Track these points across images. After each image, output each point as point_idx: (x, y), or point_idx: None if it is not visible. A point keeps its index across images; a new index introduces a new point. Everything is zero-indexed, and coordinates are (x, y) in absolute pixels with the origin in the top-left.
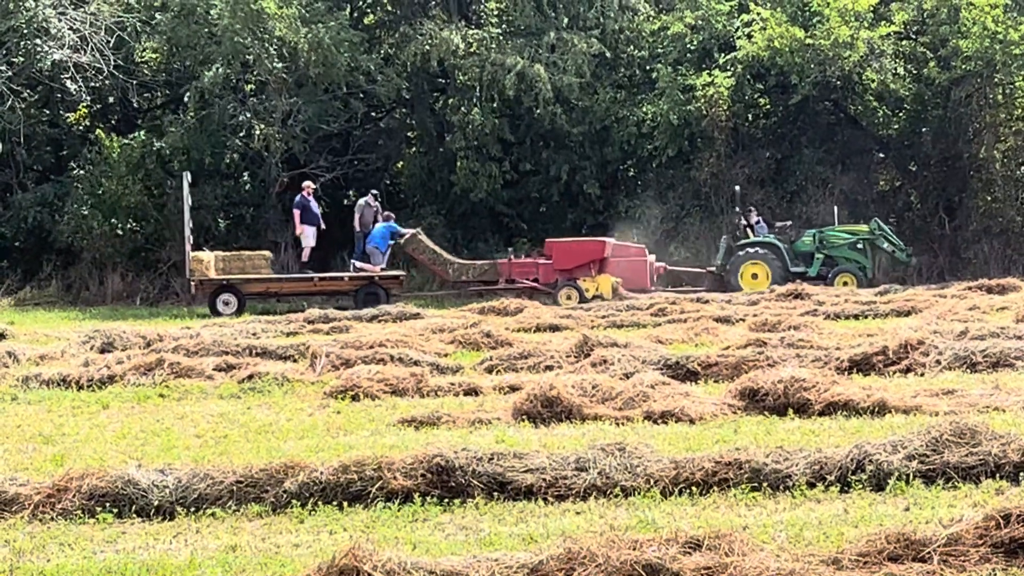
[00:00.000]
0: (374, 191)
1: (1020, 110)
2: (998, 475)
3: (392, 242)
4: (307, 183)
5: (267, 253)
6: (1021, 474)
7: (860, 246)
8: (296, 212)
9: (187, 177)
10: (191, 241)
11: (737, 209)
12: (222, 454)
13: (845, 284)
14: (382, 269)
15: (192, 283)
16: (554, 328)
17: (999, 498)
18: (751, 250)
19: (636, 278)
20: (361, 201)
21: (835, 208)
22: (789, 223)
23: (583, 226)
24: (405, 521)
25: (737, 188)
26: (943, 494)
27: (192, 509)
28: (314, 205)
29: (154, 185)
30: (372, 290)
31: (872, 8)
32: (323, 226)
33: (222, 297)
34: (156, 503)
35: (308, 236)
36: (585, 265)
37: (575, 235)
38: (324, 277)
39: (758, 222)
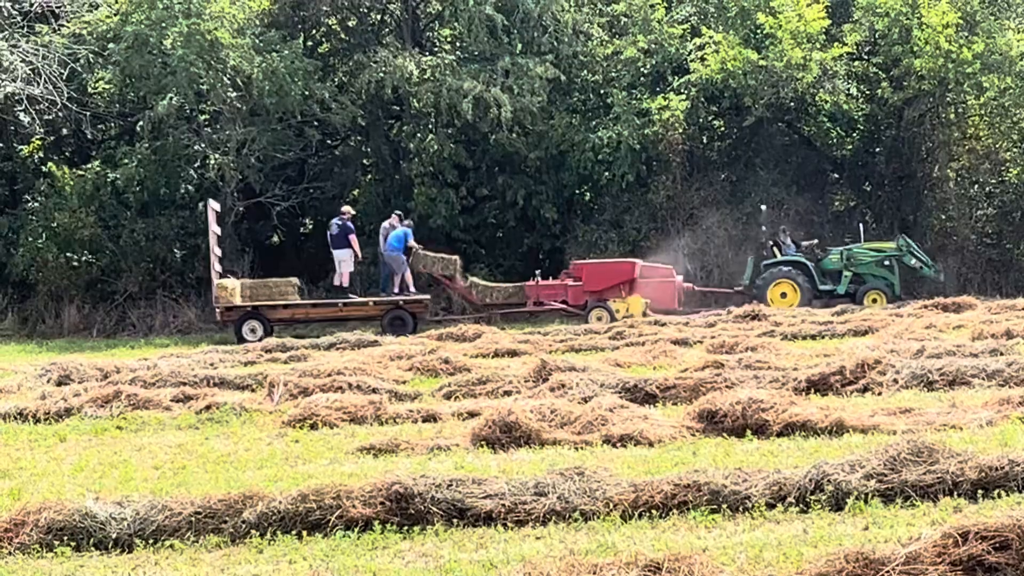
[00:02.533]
0: (398, 212)
1: (973, 129)
2: (956, 493)
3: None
4: (346, 208)
5: (295, 280)
6: (979, 492)
7: (887, 263)
8: (353, 237)
9: (212, 204)
10: (217, 268)
11: (763, 228)
12: (180, 485)
13: (874, 301)
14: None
15: (217, 310)
16: (512, 353)
17: (957, 516)
18: (780, 269)
19: (664, 298)
20: (386, 223)
21: (860, 226)
22: (816, 241)
23: (540, 251)
24: (365, 549)
25: (763, 207)
26: (902, 513)
27: (151, 541)
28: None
29: (109, 217)
30: (398, 315)
31: (824, 30)
32: (359, 254)
33: (248, 324)
34: (114, 536)
35: (347, 260)
36: (615, 286)
37: (533, 260)
38: (349, 303)
39: (785, 241)
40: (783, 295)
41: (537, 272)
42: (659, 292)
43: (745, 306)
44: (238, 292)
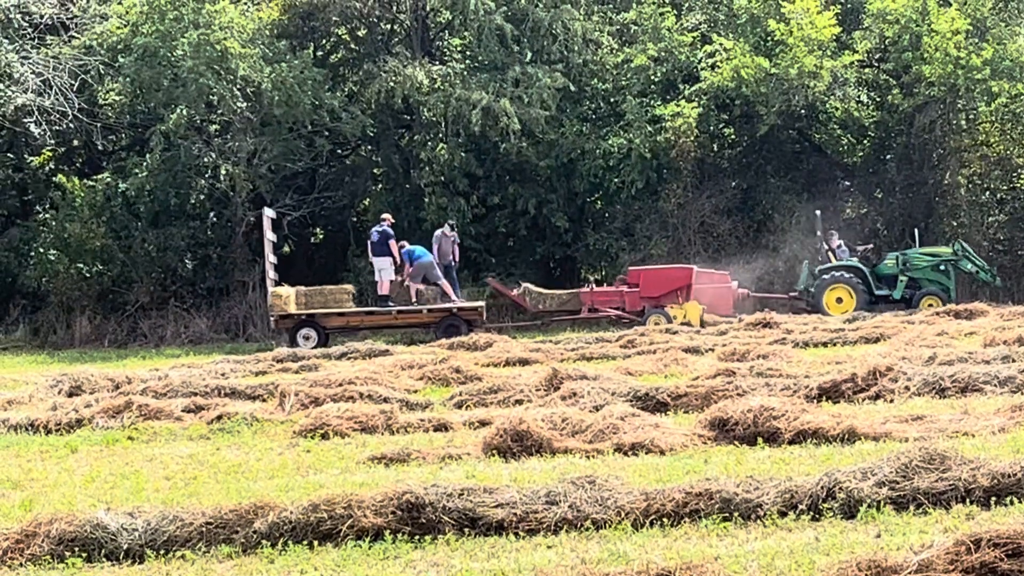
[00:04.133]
0: (451, 221)
1: (984, 135)
2: (968, 500)
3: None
4: (386, 215)
5: (349, 287)
6: (991, 499)
7: (943, 268)
8: (393, 243)
9: (268, 212)
10: (272, 276)
11: (818, 234)
12: (191, 496)
13: (931, 306)
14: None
15: (272, 318)
16: (523, 362)
17: (970, 523)
18: (835, 274)
19: (720, 304)
20: (438, 232)
21: (916, 230)
22: (871, 246)
23: (551, 260)
24: (376, 559)
25: (818, 213)
26: (914, 520)
27: (162, 552)
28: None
29: (120, 227)
30: (452, 322)
31: (834, 37)
32: (399, 261)
33: (302, 332)
34: (125, 546)
35: (387, 268)
36: (672, 292)
37: (545, 269)
38: (403, 310)
39: (840, 246)
40: (839, 300)
41: (591, 279)
42: (715, 297)
43: (800, 312)
44: (293, 300)
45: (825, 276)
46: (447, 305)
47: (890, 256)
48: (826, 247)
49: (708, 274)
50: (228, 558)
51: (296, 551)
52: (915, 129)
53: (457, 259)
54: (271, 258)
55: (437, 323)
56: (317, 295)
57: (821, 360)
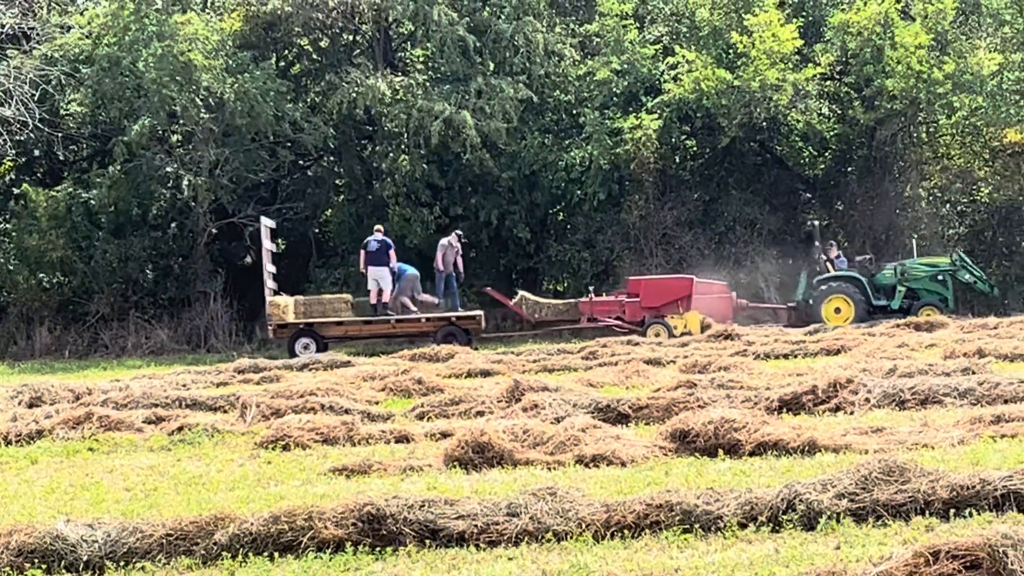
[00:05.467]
0: (458, 231)
1: (944, 148)
2: (928, 512)
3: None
4: (379, 226)
5: (347, 296)
6: (950, 511)
7: (941, 278)
8: (393, 253)
9: (266, 221)
10: (270, 286)
11: (816, 244)
12: (152, 507)
13: (928, 317)
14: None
15: (270, 327)
16: (485, 373)
17: (929, 535)
18: (833, 284)
19: (720, 314)
20: (444, 241)
21: (913, 241)
22: (869, 257)
23: (514, 271)
24: (336, 571)
25: (816, 223)
26: (873, 532)
27: (122, 564)
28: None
29: (81, 238)
30: (451, 330)
31: (797, 49)
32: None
33: (301, 341)
34: (85, 558)
35: (385, 278)
36: (673, 302)
37: (507, 280)
38: (402, 319)
39: (838, 256)
40: (837, 311)
41: (591, 288)
42: (715, 308)
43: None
44: (291, 309)
45: (823, 287)
46: (446, 314)
47: (888, 266)
48: (824, 257)
49: (708, 284)
50: (188, 570)
51: (256, 563)
52: (876, 142)
53: (461, 269)
54: (270, 267)
55: (436, 332)
56: (316, 304)
57: (782, 372)
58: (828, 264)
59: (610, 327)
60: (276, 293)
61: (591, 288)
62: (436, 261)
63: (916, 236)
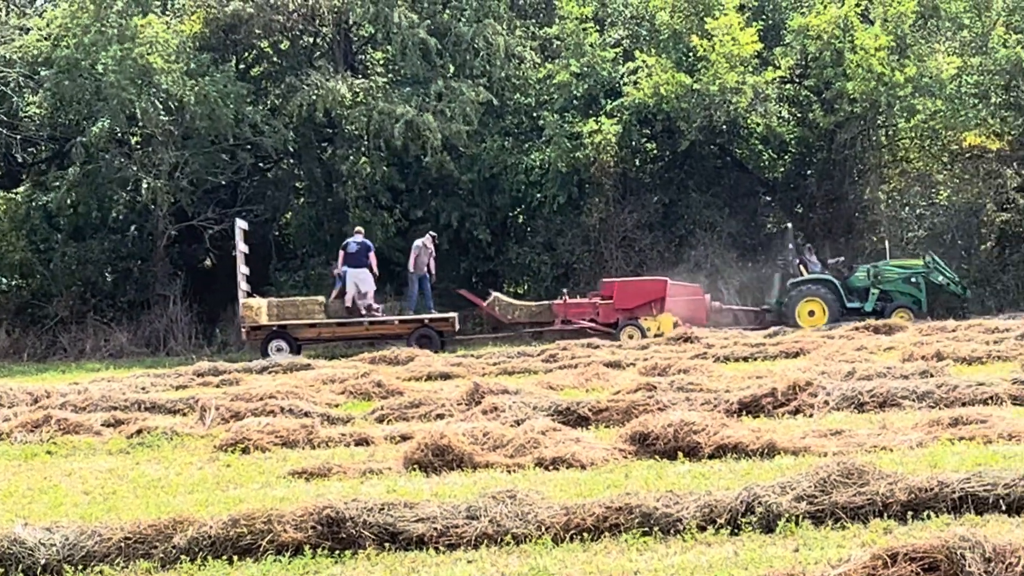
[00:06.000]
0: (432, 233)
1: (904, 151)
2: (886, 515)
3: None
4: (359, 228)
5: (320, 299)
6: (908, 513)
7: (914, 280)
8: (373, 255)
9: (240, 223)
10: (242, 288)
11: (790, 246)
12: (110, 510)
13: (902, 319)
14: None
15: (243, 329)
16: (445, 376)
17: (887, 537)
18: (807, 287)
19: (694, 316)
20: (418, 242)
21: (887, 242)
22: (842, 259)
23: (474, 274)
24: (295, 574)
25: (788, 226)
26: (832, 534)
27: (80, 567)
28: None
29: (40, 240)
30: (425, 333)
31: (756, 53)
32: (377, 274)
33: (274, 343)
34: (43, 562)
35: (368, 280)
36: (646, 304)
37: (468, 283)
38: (375, 321)
39: (811, 259)
40: (811, 313)
41: (564, 291)
42: (688, 310)
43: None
44: (264, 311)
45: (797, 289)
46: (420, 316)
47: (861, 268)
48: (797, 260)
49: (681, 286)
50: (147, 573)
51: (215, 566)
52: (836, 145)
53: (434, 272)
54: (243, 269)
55: (410, 334)
56: (289, 306)
57: (742, 375)
58: (801, 267)
59: (583, 329)
60: (249, 295)
61: (564, 291)
62: (409, 263)
63: (876, 239)
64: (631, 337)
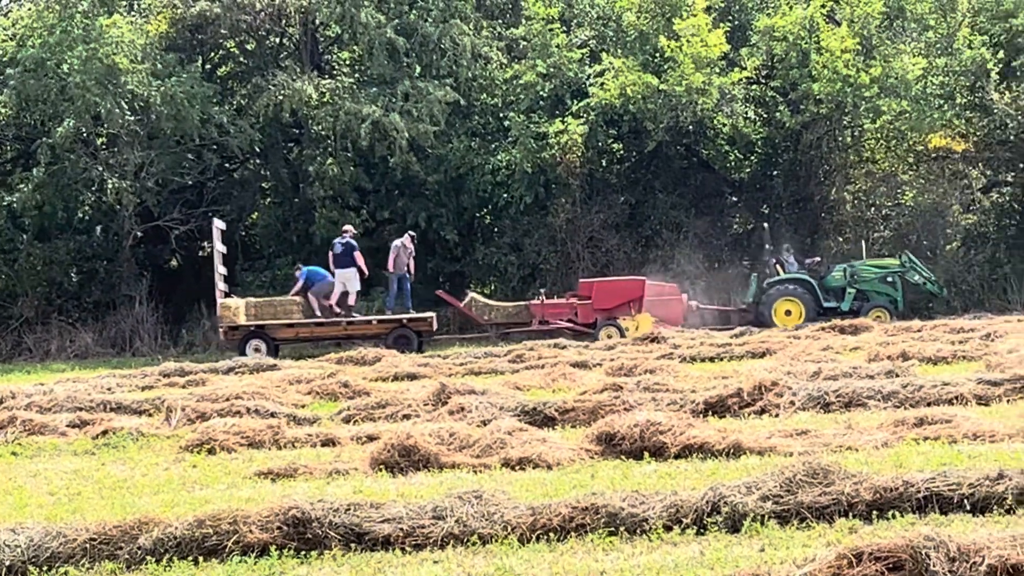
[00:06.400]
0: (411, 232)
1: (869, 152)
2: (851, 514)
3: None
4: (348, 226)
5: (298, 299)
6: (874, 513)
7: (891, 279)
8: (359, 255)
9: (217, 223)
10: (221, 288)
11: (767, 246)
12: (75, 511)
13: (878, 318)
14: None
15: (221, 329)
16: (412, 377)
17: (852, 537)
18: (784, 287)
19: (671, 316)
20: (397, 242)
21: (863, 242)
22: (818, 259)
23: (441, 274)
24: (261, 575)
25: (765, 225)
26: (797, 534)
27: (45, 568)
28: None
29: (4, 241)
30: (403, 333)
31: (723, 55)
32: (366, 272)
33: (252, 343)
34: (8, 563)
35: (353, 280)
36: (625, 304)
37: (435, 283)
38: (353, 321)
39: (788, 259)
40: (787, 313)
41: (542, 290)
42: (666, 310)
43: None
44: (242, 311)
45: (774, 289)
46: (398, 316)
47: (838, 268)
48: (774, 260)
49: (659, 286)
50: (112, 574)
51: (181, 567)
52: (802, 145)
53: (413, 271)
54: (220, 269)
55: (387, 334)
56: (267, 306)
57: (708, 375)
58: (778, 266)
59: (561, 329)
60: (227, 295)
61: (542, 291)
62: (388, 263)
63: (842, 239)
64: (610, 337)
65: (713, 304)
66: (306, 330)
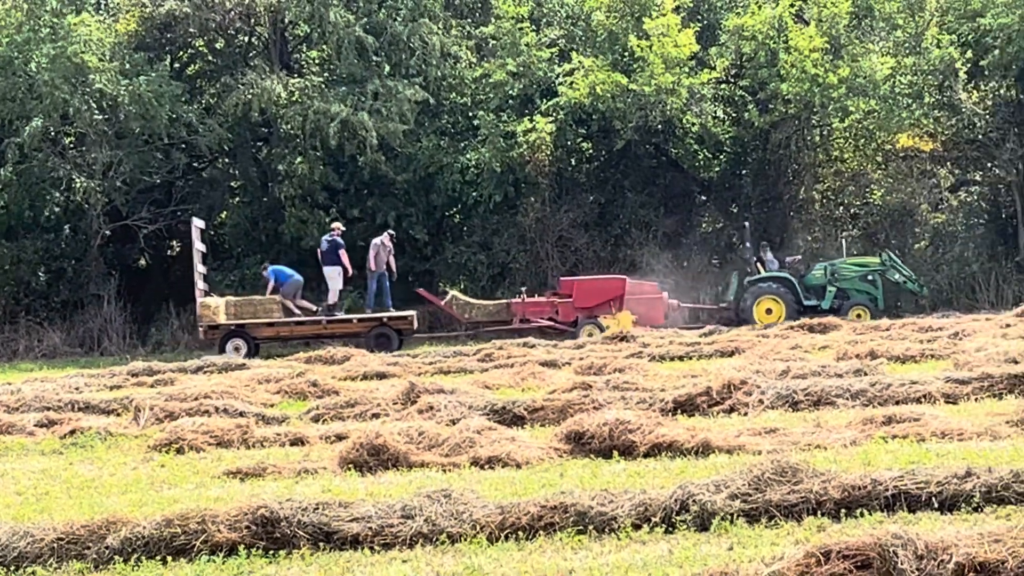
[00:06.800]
0: (390, 231)
1: (838, 151)
2: (819, 512)
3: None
4: (336, 224)
5: (277, 297)
6: (842, 511)
7: (871, 278)
8: (343, 253)
9: (196, 222)
10: (201, 287)
11: (747, 244)
12: (43, 511)
13: (858, 316)
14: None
15: (201, 328)
16: (381, 376)
17: (820, 535)
18: (765, 285)
19: (652, 315)
20: (376, 240)
21: (843, 241)
22: (799, 257)
23: (411, 273)
24: (230, 574)
25: (747, 224)
26: (766, 532)
27: (12, 568)
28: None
29: None
30: (383, 331)
31: (693, 54)
32: (350, 270)
33: (232, 342)
34: None
35: (337, 278)
36: (605, 303)
37: (404, 282)
38: (333, 320)
39: (769, 257)
40: (768, 311)
41: (523, 289)
42: (647, 308)
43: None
44: (222, 310)
45: (755, 287)
46: (379, 314)
47: (818, 266)
48: (755, 258)
49: (640, 284)
50: (80, 574)
51: (149, 567)
52: (770, 145)
53: (394, 269)
54: (200, 268)
55: (368, 333)
56: (247, 305)
57: (677, 374)
58: (759, 265)
59: (542, 328)
60: (207, 294)
61: (523, 289)
62: (368, 261)
63: (810, 238)
64: (590, 335)
65: (695, 303)
66: (286, 329)
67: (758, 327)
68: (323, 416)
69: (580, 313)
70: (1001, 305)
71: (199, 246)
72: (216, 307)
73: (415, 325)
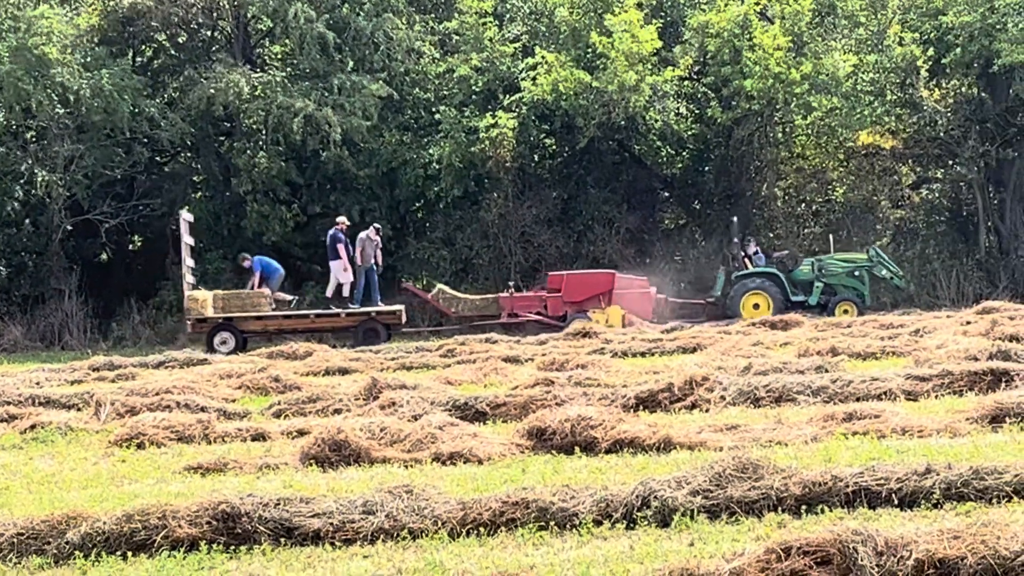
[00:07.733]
0: (376, 225)
1: (800, 148)
2: (780, 508)
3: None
4: (341, 218)
5: (266, 291)
6: (802, 507)
7: (858, 274)
8: (341, 247)
9: (185, 215)
10: (188, 280)
11: (735, 240)
12: (3, 506)
13: (846, 312)
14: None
15: (188, 322)
16: (343, 371)
17: (781, 531)
18: (751, 281)
19: (640, 309)
20: (363, 234)
21: (831, 236)
22: (787, 252)
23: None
24: (190, 570)
25: (734, 219)
26: (727, 528)
27: None
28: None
29: None
30: (371, 326)
31: (655, 51)
32: (347, 265)
33: (220, 336)
34: None
35: (342, 272)
36: (595, 297)
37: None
38: (321, 314)
39: (756, 252)
40: (755, 307)
41: (511, 283)
42: (636, 303)
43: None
44: (210, 304)
45: (741, 283)
46: (367, 309)
47: (806, 262)
48: (742, 253)
49: (629, 279)
50: (40, 569)
51: (109, 562)
52: (733, 141)
53: (380, 263)
54: (188, 262)
55: (356, 327)
56: (234, 299)
57: (639, 370)
58: (746, 260)
59: (530, 322)
60: (195, 288)
61: (511, 284)
62: (356, 255)
63: (772, 235)
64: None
65: (685, 298)
66: (274, 323)
67: (744, 322)
68: (285, 412)
69: (569, 307)
70: (962, 302)
71: (188, 239)
72: (204, 300)
73: (403, 320)
